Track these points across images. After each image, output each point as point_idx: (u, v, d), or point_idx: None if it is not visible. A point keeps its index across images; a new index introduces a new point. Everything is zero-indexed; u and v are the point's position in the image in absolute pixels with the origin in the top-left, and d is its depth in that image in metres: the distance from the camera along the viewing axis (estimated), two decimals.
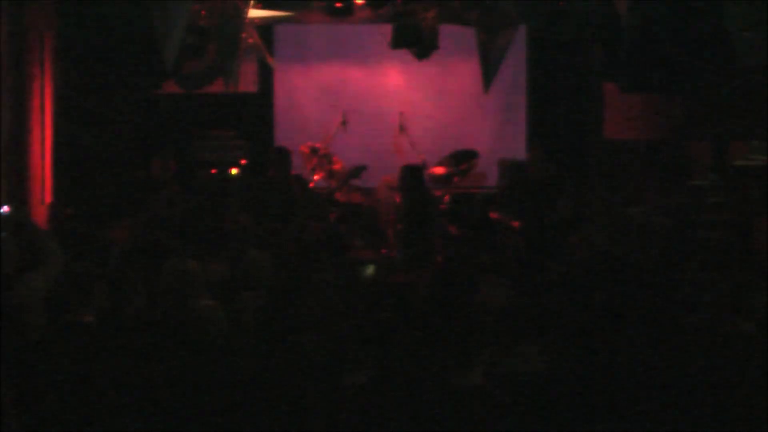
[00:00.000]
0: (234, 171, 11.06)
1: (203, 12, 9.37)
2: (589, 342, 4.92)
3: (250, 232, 8.79)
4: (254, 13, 9.49)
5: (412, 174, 9.42)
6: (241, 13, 9.22)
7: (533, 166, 9.49)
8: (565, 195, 9.40)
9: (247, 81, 11.68)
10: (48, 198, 9.20)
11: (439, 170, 10.80)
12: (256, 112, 11.73)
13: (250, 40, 9.64)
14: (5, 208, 6.94)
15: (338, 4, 9.82)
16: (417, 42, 9.80)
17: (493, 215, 9.57)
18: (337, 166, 10.66)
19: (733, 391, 4.41)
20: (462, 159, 10.80)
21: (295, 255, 6.88)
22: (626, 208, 9.48)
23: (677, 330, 4.90)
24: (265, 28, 11.16)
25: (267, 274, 6.40)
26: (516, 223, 9.33)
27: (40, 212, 8.98)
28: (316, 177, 10.67)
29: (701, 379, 4.57)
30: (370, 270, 7.00)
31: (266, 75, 11.73)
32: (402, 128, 10.78)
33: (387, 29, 9.88)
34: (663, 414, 4.39)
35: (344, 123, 10.74)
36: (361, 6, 9.75)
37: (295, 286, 6.20)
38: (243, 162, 11.13)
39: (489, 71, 9.55)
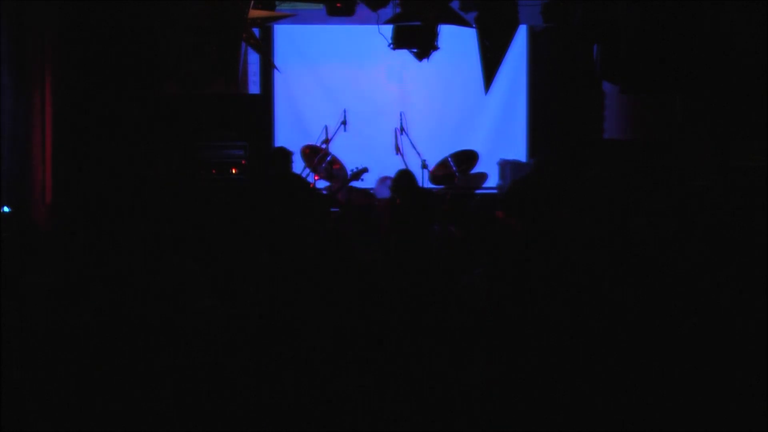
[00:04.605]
0: (234, 171, 11.07)
1: (203, 12, 9.37)
2: (589, 342, 4.92)
3: (252, 233, 8.82)
4: (254, 13, 9.50)
5: (406, 176, 9.53)
6: (241, 13, 9.22)
7: (538, 168, 9.50)
8: (568, 198, 9.41)
9: (248, 81, 11.69)
10: (48, 198, 9.20)
11: (439, 170, 10.80)
12: (257, 112, 11.73)
13: (251, 41, 9.65)
14: (5, 209, 6.94)
15: (338, 4, 9.82)
16: (417, 42, 9.80)
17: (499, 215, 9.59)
18: (337, 167, 10.67)
19: (733, 391, 4.41)
20: (462, 159, 10.80)
21: (297, 255, 6.89)
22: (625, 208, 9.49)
23: (678, 330, 4.90)
24: (265, 28, 11.18)
25: (268, 274, 6.41)
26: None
27: (41, 212, 8.98)
28: (316, 177, 10.68)
29: (701, 379, 4.57)
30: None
31: (267, 75, 11.74)
32: (402, 128, 10.78)
33: (387, 29, 9.89)
34: (662, 414, 4.40)
35: (344, 123, 10.74)
36: (361, 6, 9.75)
37: (298, 286, 6.20)
38: (243, 162, 11.13)
39: (489, 71, 9.56)
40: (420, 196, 9.80)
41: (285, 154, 9.69)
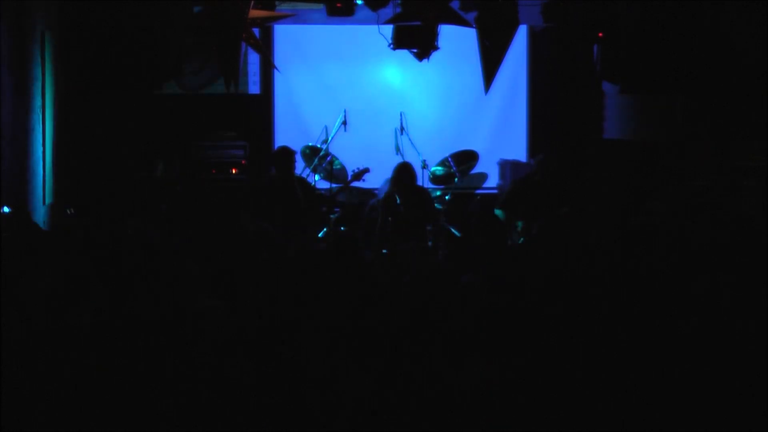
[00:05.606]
0: (234, 171, 11.08)
1: (203, 12, 9.38)
2: (589, 342, 4.92)
3: (252, 233, 8.81)
4: (254, 13, 9.50)
5: (407, 172, 9.55)
6: (241, 13, 9.22)
7: (539, 169, 9.50)
8: (568, 198, 9.42)
9: (248, 82, 11.69)
10: (49, 199, 9.20)
11: (439, 170, 10.80)
12: (257, 112, 11.73)
13: (251, 41, 9.65)
14: (5, 209, 6.94)
15: (338, 4, 9.83)
16: (417, 42, 9.81)
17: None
18: (337, 167, 10.66)
19: (734, 391, 4.41)
20: (462, 159, 10.79)
21: (299, 256, 6.88)
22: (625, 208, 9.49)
23: (677, 331, 4.90)
24: (265, 28, 11.18)
25: (269, 274, 6.40)
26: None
27: (41, 212, 8.99)
28: (316, 178, 10.67)
29: (701, 380, 4.57)
30: None
31: (267, 75, 11.74)
32: (402, 128, 10.78)
33: (387, 29, 9.89)
34: (662, 414, 4.40)
35: (344, 123, 10.74)
36: (361, 6, 9.76)
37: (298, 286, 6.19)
38: (243, 162, 11.14)
39: (489, 71, 9.57)
40: (419, 193, 9.81)
41: (288, 154, 9.68)
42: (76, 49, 9.55)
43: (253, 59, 11.51)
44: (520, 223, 9.30)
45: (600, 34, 9.56)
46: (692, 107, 10.00)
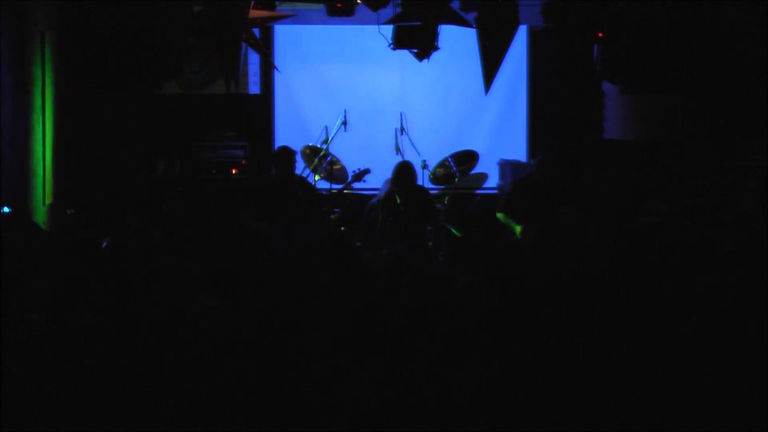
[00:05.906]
0: (234, 171, 11.08)
1: (203, 12, 9.37)
2: (589, 343, 4.92)
3: (252, 233, 8.81)
4: (254, 13, 9.50)
5: (407, 171, 9.54)
6: (241, 13, 9.22)
7: (539, 169, 9.50)
8: (568, 198, 9.40)
9: (248, 81, 11.69)
10: (49, 199, 9.21)
11: (439, 170, 10.80)
12: (257, 112, 11.73)
13: (251, 41, 9.65)
14: (5, 209, 6.94)
15: (338, 4, 9.83)
16: (417, 42, 9.80)
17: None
18: (337, 167, 10.66)
19: (733, 391, 4.41)
20: (462, 159, 10.79)
21: (300, 256, 6.87)
22: (625, 208, 9.49)
23: (677, 331, 4.90)
24: (265, 28, 11.18)
25: (269, 275, 6.39)
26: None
27: (41, 212, 8.99)
28: (316, 178, 10.67)
29: (701, 380, 4.57)
30: None
31: (267, 75, 11.74)
32: (402, 128, 10.78)
33: (387, 29, 9.88)
34: (662, 414, 4.40)
35: (344, 123, 10.74)
36: (361, 6, 9.75)
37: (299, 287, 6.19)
38: (243, 162, 11.14)
39: (489, 71, 9.57)
40: (419, 192, 9.79)
41: (288, 154, 9.67)
42: (76, 49, 9.55)
43: (253, 59, 11.51)
44: (518, 228, 9.29)
45: (600, 34, 9.55)
46: (692, 107, 10.00)
